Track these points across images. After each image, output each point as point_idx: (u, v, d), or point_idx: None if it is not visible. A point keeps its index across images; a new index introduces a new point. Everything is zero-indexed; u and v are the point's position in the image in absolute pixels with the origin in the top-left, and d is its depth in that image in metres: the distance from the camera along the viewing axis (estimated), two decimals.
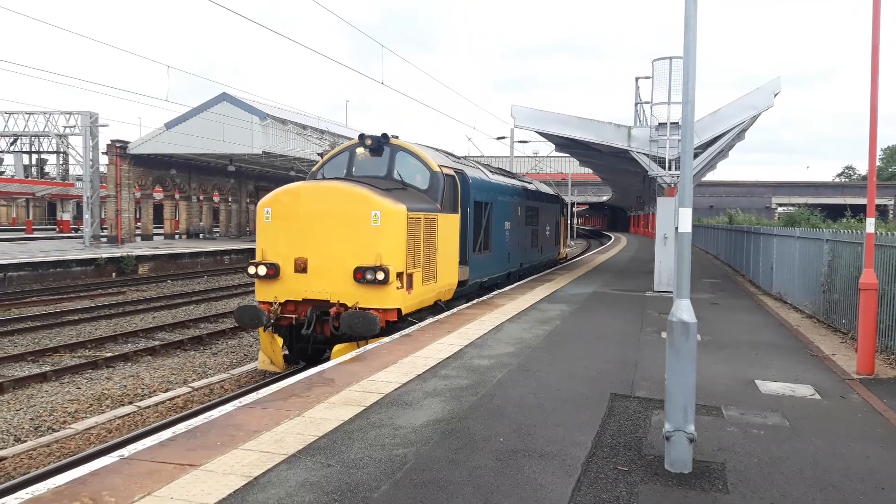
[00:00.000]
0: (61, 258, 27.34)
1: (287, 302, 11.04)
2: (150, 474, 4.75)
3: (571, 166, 66.28)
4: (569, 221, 33.88)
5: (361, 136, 12.84)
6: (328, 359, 10.14)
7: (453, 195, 13.11)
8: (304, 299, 10.94)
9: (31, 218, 64.48)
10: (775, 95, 16.54)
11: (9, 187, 61.35)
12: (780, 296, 16.09)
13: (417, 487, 4.62)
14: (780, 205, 75.04)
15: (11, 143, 44.88)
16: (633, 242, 48.65)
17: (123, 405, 10.18)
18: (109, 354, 13.32)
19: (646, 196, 41.68)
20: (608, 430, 5.96)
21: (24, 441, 8.65)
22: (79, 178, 52.04)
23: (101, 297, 22.58)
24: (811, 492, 4.71)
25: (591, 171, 38.97)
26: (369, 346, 9.53)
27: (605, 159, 25.36)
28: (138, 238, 44.23)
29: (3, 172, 70.90)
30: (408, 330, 10.93)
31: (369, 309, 10.44)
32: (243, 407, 6.45)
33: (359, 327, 10.10)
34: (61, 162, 61.84)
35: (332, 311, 10.56)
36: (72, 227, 58.78)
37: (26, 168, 64.65)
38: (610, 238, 60.09)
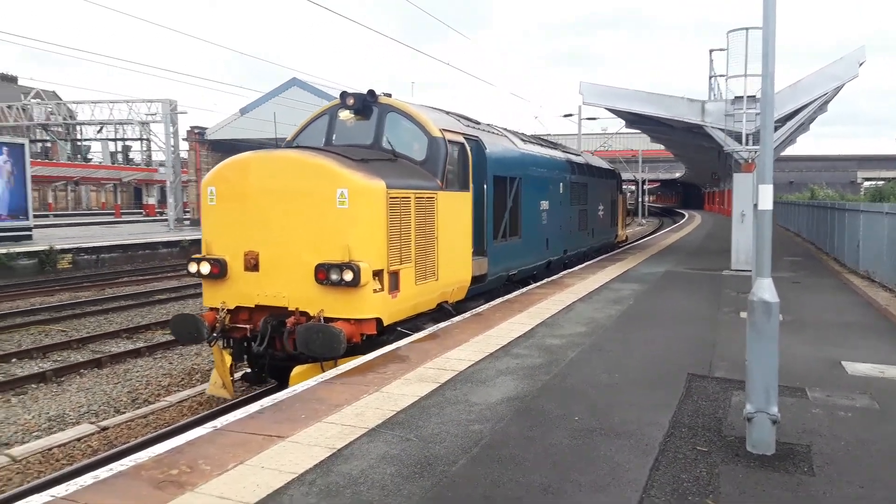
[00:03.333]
0: (149, 240, 28.76)
1: (239, 309, 8.63)
2: (241, 444, 5.03)
3: (642, 143, 64.60)
4: (627, 199, 29.56)
5: (343, 95, 10.21)
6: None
7: (462, 168, 10.52)
8: (257, 306, 8.48)
9: (118, 202, 67.80)
10: (860, 65, 15.66)
11: (98, 173, 64.79)
12: (867, 274, 15.35)
13: (494, 463, 4.71)
14: (867, 179, 71.08)
15: (98, 131, 47.29)
16: (707, 220, 47.21)
17: None
18: None
19: (721, 172, 40.27)
20: (686, 410, 5.90)
21: (123, 412, 9.25)
22: (161, 164, 54.43)
23: (187, 276, 23.65)
24: None
25: (662, 147, 37.96)
26: (441, 325, 9.66)
27: (678, 135, 24.63)
28: None
29: (92, 159, 74.79)
30: (478, 309, 11.01)
31: (336, 320, 7.99)
32: (324, 382, 6.70)
33: (317, 346, 7.57)
34: (145, 148, 64.80)
35: (289, 322, 8.08)
36: (157, 210, 61.53)
37: (112, 155, 68.04)
38: (683, 216, 58.46)
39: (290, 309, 8.26)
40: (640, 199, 66.58)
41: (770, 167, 5.22)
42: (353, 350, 8.07)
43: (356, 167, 8.30)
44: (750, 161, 16.31)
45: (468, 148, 10.73)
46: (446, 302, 10.23)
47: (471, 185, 10.79)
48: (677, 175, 79.44)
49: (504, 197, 12.60)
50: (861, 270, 15.91)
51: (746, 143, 16.18)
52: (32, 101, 44.82)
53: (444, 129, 10.17)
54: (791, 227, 34.49)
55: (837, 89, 16.50)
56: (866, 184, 66.99)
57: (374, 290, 8.19)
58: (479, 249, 11.29)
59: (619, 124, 34.62)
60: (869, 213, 15.57)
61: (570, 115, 38.95)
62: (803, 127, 24.40)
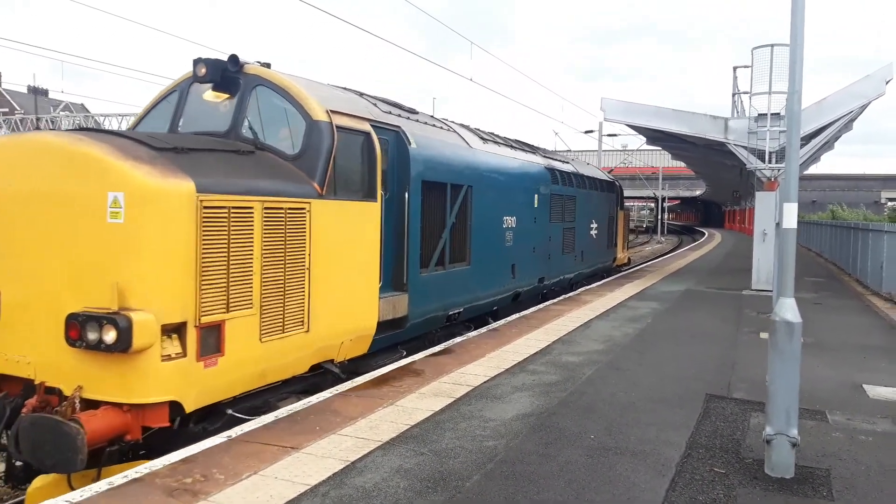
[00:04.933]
0: None
1: None
2: (255, 454, 5.03)
3: (663, 160, 64.34)
4: (629, 216, 25.43)
5: (196, 63, 7.37)
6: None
7: (366, 168, 7.74)
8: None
9: None
10: (887, 83, 15.51)
11: None
12: (890, 296, 15.09)
13: (508, 479, 4.67)
14: (891, 199, 70.09)
15: None
16: (727, 239, 46.76)
17: None
18: None
19: (743, 190, 39.98)
20: (703, 431, 5.81)
21: None
22: None
23: None
24: None
25: (682, 164, 37.76)
26: (457, 340, 9.60)
27: (699, 152, 24.52)
28: None
29: None
30: (495, 324, 10.97)
31: (102, 404, 5.29)
32: (340, 394, 6.69)
33: (45, 453, 5.05)
34: None
35: (27, 406, 5.39)
36: None
37: None
38: (703, 234, 57.96)
39: (36, 382, 5.48)
40: (659, 217, 66.13)
41: (795, 186, 5.17)
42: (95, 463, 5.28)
43: (148, 159, 5.49)
44: (773, 179, 16.17)
45: (376, 141, 7.88)
46: (332, 361, 7.32)
47: (379, 193, 7.90)
48: (698, 193, 78.93)
49: (441, 210, 9.66)
50: (884, 292, 15.65)
51: (770, 161, 16.05)
52: (62, 113, 45.72)
53: (334, 112, 7.29)
54: (813, 246, 34.10)
55: (863, 107, 16.34)
56: (890, 204, 66.04)
57: (165, 357, 5.32)
58: (394, 283, 8.51)
59: (639, 141, 34.54)
60: (893, 234, 15.34)
61: (591, 131, 38.92)
62: (828, 145, 24.16)
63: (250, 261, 6.05)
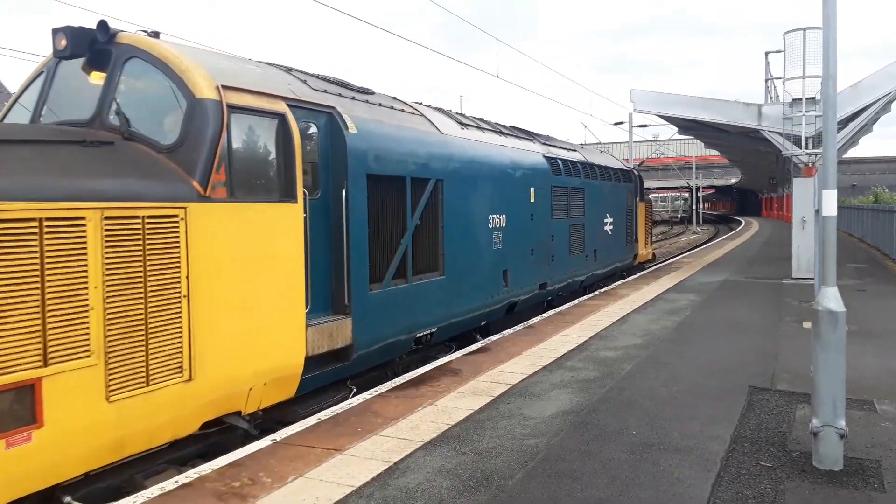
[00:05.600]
0: None
1: None
2: (300, 457, 5.12)
3: (696, 148, 63.37)
4: (651, 208, 23.22)
5: (55, 34, 5.96)
6: None
7: (282, 160, 6.24)
8: None
9: None
10: None
11: None
12: None
13: (551, 478, 4.68)
14: None
15: None
16: (765, 227, 45.86)
17: None
18: None
19: (779, 177, 39.18)
20: (748, 424, 5.73)
21: None
22: None
23: None
24: None
25: (716, 153, 37.15)
26: (493, 338, 9.62)
27: (733, 140, 24.11)
28: None
29: None
30: (530, 321, 10.95)
31: None
32: (379, 395, 6.76)
33: None
34: None
35: None
36: None
37: None
38: (740, 223, 56.92)
39: None
40: (694, 207, 65.16)
41: (833, 172, 5.07)
42: None
43: None
44: (810, 165, 15.83)
45: (294, 125, 6.29)
46: (238, 414, 5.82)
47: (301, 192, 6.31)
48: (733, 181, 77.58)
49: (399, 210, 8.11)
50: None
51: (806, 147, 15.71)
52: None
53: (228, 88, 5.75)
54: (855, 232, 33.28)
55: None
56: None
57: None
58: (334, 304, 7.01)
59: (670, 131, 34.08)
60: None
61: (621, 122, 38.52)
62: (866, 128, 23.54)
63: (83, 291, 4.54)
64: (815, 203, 5.21)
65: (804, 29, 14.81)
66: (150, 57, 5.75)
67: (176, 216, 5.15)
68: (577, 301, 13.13)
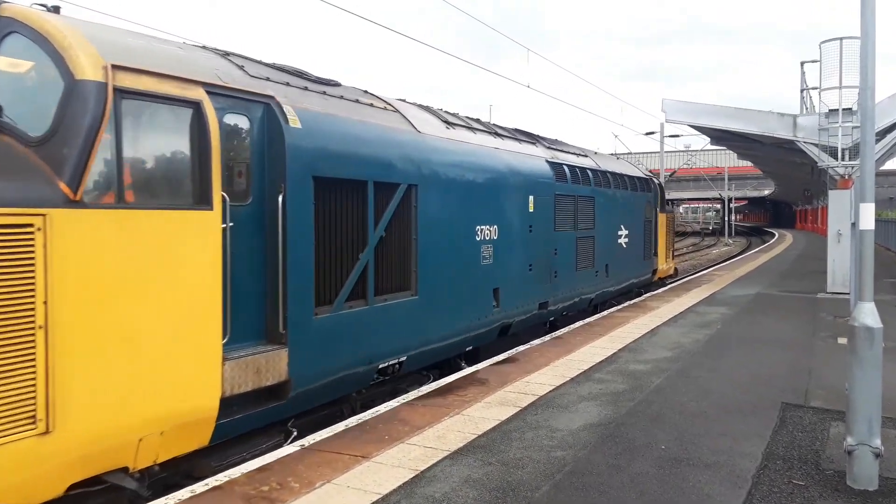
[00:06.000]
0: None
1: None
2: (327, 463, 5.16)
3: (728, 159, 62.54)
4: (674, 219, 21.84)
5: None
6: None
7: (193, 157, 5.25)
8: None
9: None
10: None
11: None
12: None
13: (578, 490, 4.65)
14: None
15: None
16: (799, 240, 45.01)
17: None
18: None
19: (814, 189, 38.46)
20: (780, 441, 5.63)
21: None
22: None
23: None
24: None
25: (749, 164, 36.63)
26: (521, 348, 9.59)
27: (767, 151, 23.75)
28: None
29: None
30: (558, 332, 10.89)
31: None
32: (406, 404, 6.79)
33: None
34: None
35: None
36: None
37: None
38: (773, 235, 55.94)
39: None
40: (725, 218, 64.25)
41: (871, 185, 4.99)
42: None
43: None
44: (847, 177, 15.53)
45: (209, 116, 5.27)
46: (124, 470, 4.81)
47: (219, 197, 5.29)
48: (766, 192, 76.36)
49: (357, 220, 6.96)
50: None
51: (843, 158, 15.42)
52: None
53: (121, 69, 4.78)
54: (892, 245, 32.52)
55: None
56: None
57: None
58: (268, 332, 5.93)
59: (703, 141, 33.71)
60: None
61: (652, 132, 38.17)
62: None
63: None
64: (851, 216, 5.12)
65: (841, 38, 14.58)
66: (31, 32, 4.75)
67: (30, 226, 4.13)
68: (605, 313, 13.03)
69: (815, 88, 16.38)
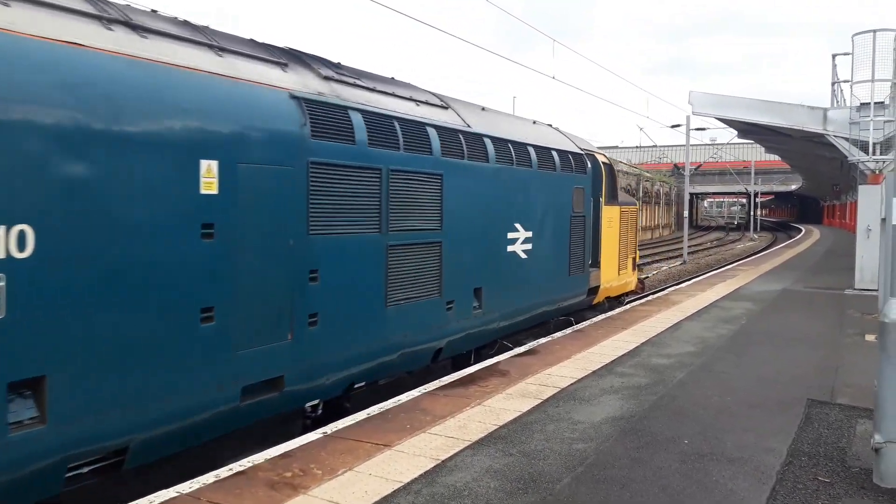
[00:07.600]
0: None
1: None
2: (350, 451, 5.21)
3: (755, 153, 61.65)
4: (636, 214, 14.39)
5: None
6: None
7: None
8: None
9: None
10: None
11: None
12: None
13: (599, 483, 4.64)
14: None
15: None
16: (826, 235, 44.30)
17: None
18: None
19: (843, 184, 37.77)
20: (805, 437, 5.57)
21: None
22: None
23: None
24: None
25: (777, 157, 36.06)
26: (542, 340, 9.59)
27: (795, 145, 23.39)
28: None
29: None
30: (579, 326, 10.85)
31: None
32: (428, 393, 6.82)
33: None
34: None
35: None
36: None
37: None
38: (799, 230, 55.11)
39: None
40: (751, 213, 63.35)
41: None
42: None
43: None
44: (877, 172, 15.24)
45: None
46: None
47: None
48: (793, 187, 75.22)
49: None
50: None
51: (873, 153, 15.13)
52: None
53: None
54: None
55: None
56: None
57: None
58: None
59: (729, 135, 33.23)
60: None
61: (678, 125, 37.69)
62: None
63: None
64: (881, 212, 5.02)
65: (874, 31, 14.28)
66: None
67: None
68: (627, 307, 12.96)
69: (847, 81, 16.06)
